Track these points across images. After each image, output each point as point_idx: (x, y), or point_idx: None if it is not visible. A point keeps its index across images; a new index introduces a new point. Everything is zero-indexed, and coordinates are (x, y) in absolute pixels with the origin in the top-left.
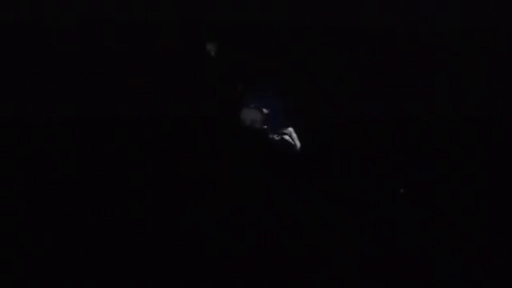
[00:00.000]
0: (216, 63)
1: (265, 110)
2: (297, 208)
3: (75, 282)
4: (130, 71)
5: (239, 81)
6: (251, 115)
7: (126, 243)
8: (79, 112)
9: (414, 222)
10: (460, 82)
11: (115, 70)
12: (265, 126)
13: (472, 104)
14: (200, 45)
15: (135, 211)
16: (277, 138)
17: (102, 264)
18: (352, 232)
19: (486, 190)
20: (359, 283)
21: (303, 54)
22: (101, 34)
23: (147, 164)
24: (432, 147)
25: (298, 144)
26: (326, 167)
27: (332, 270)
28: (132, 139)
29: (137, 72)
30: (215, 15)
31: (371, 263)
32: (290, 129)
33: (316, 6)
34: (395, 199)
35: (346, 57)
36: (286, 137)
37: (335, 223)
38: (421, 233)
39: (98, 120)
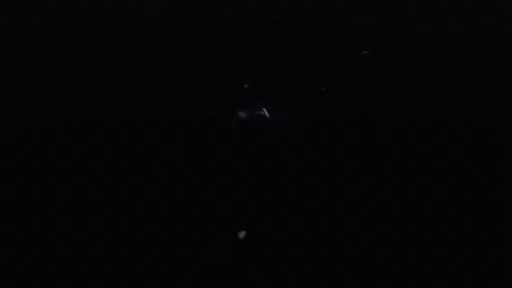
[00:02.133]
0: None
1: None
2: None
3: (75, 281)
4: (130, 71)
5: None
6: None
7: (125, 242)
8: (78, 112)
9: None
10: (458, 82)
11: (115, 70)
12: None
13: (471, 104)
14: (197, 45)
15: (128, 204)
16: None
17: (102, 264)
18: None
19: (485, 190)
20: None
21: (289, 53)
22: (101, 35)
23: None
24: (423, 147)
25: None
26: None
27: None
28: (126, 136)
29: (134, 73)
30: (212, 16)
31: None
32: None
33: (308, 6)
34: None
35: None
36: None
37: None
38: (416, 232)
39: (98, 120)
